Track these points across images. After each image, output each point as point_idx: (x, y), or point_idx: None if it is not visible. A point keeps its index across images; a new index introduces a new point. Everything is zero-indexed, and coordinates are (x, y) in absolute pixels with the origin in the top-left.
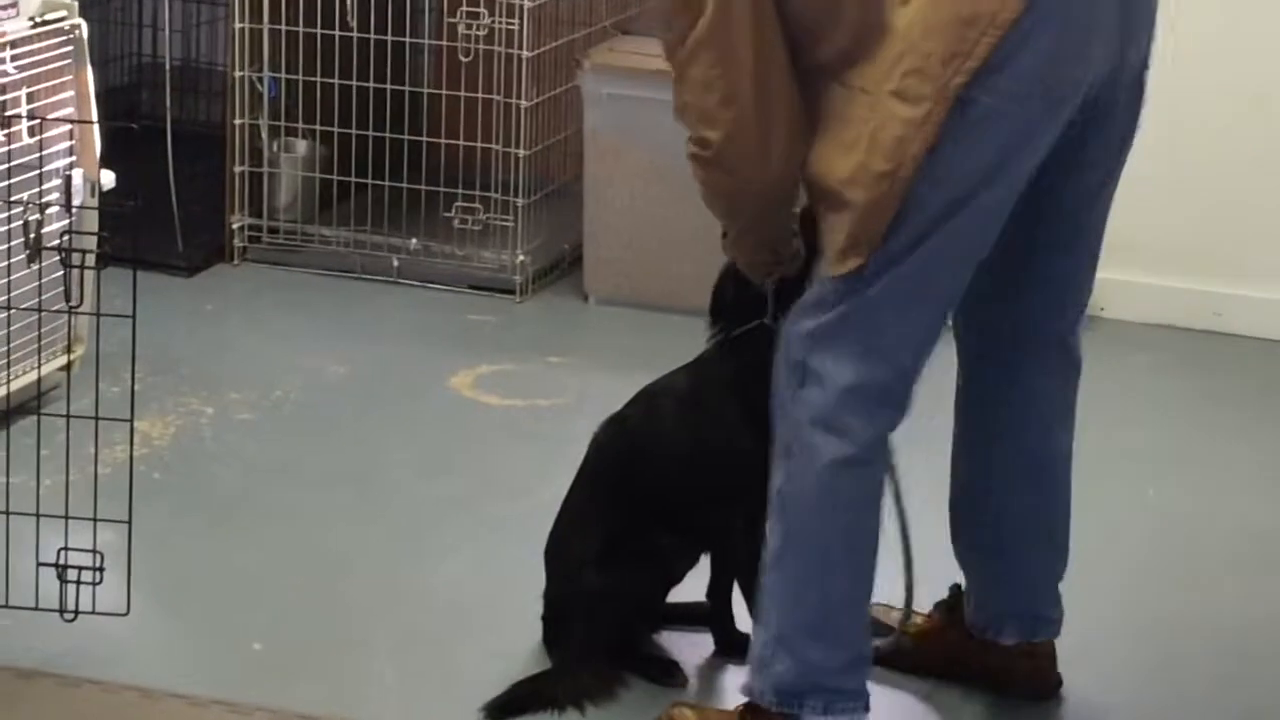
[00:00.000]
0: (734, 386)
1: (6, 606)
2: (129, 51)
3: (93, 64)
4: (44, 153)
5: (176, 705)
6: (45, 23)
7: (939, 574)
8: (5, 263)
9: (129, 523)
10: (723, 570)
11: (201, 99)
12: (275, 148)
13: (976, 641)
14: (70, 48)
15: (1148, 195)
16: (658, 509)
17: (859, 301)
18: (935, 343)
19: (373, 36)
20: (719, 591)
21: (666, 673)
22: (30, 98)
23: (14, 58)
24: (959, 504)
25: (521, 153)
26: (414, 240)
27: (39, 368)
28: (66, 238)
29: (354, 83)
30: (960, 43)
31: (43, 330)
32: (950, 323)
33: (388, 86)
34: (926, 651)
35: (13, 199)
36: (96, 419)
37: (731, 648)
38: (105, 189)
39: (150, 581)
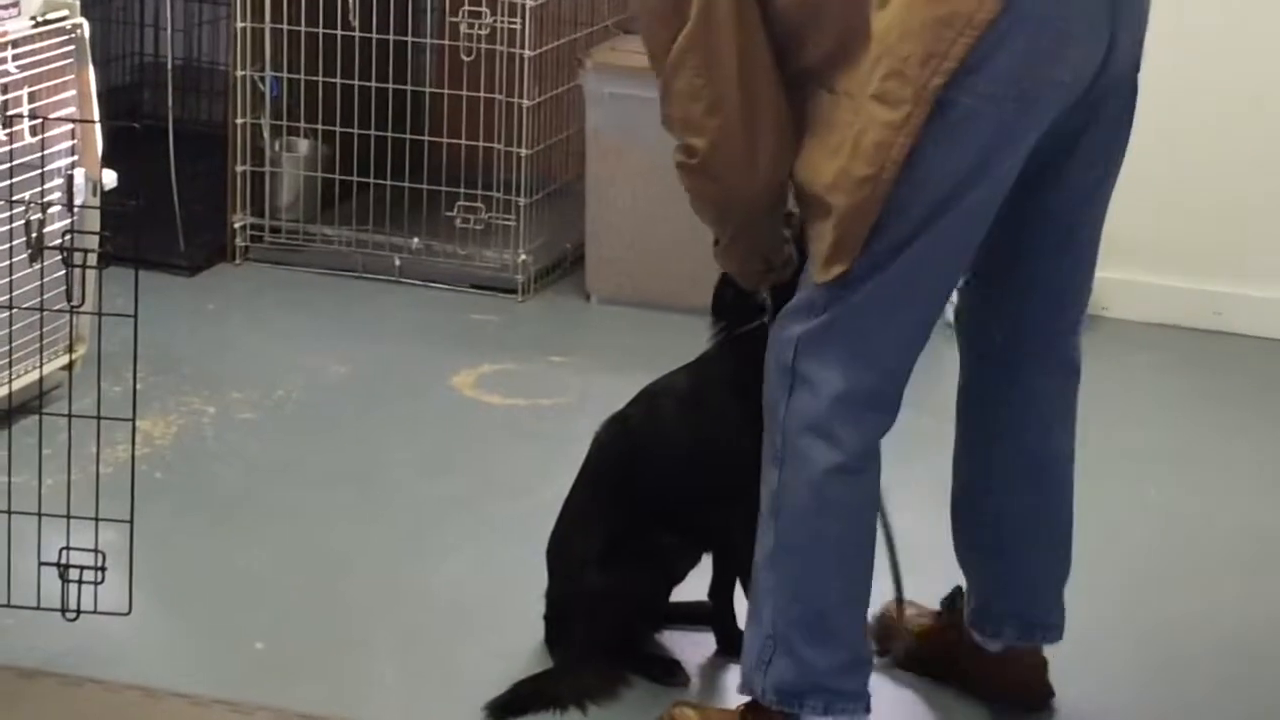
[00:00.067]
0: (735, 386)
1: (8, 606)
2: (131, 51)
3: (94, 63)
4: (46, 152)
5: (178, 705)
6: (47, 22)
7: (942, 573)
8: (7, 262)
9: (131, 522)
10: (725, 569)
11: (203, 98)
12: (277, 147)
13: (972, 644)
14: (72, 47)
15: (1149, 195)
16: (659, 508)
17: (845, 306)
18: (924, 345)
19: (375, 36)
20: (721, 591)
21: (668, 672)
22: (32, 97)
23: (16, 57)
24: (959, 504)
25: (523, 152)
26: (416, 239)
27: (41, 367)
28: (68, 237)
29: (356, 82)
30: (937, 43)
31: (44, 329)
32: (952, 322)
33: (390, 86)
34: (925, 650)
35: (15, 198)
36: (98, 418)
37: (733, 647)
38: (107, 188)
39: (152, 581)
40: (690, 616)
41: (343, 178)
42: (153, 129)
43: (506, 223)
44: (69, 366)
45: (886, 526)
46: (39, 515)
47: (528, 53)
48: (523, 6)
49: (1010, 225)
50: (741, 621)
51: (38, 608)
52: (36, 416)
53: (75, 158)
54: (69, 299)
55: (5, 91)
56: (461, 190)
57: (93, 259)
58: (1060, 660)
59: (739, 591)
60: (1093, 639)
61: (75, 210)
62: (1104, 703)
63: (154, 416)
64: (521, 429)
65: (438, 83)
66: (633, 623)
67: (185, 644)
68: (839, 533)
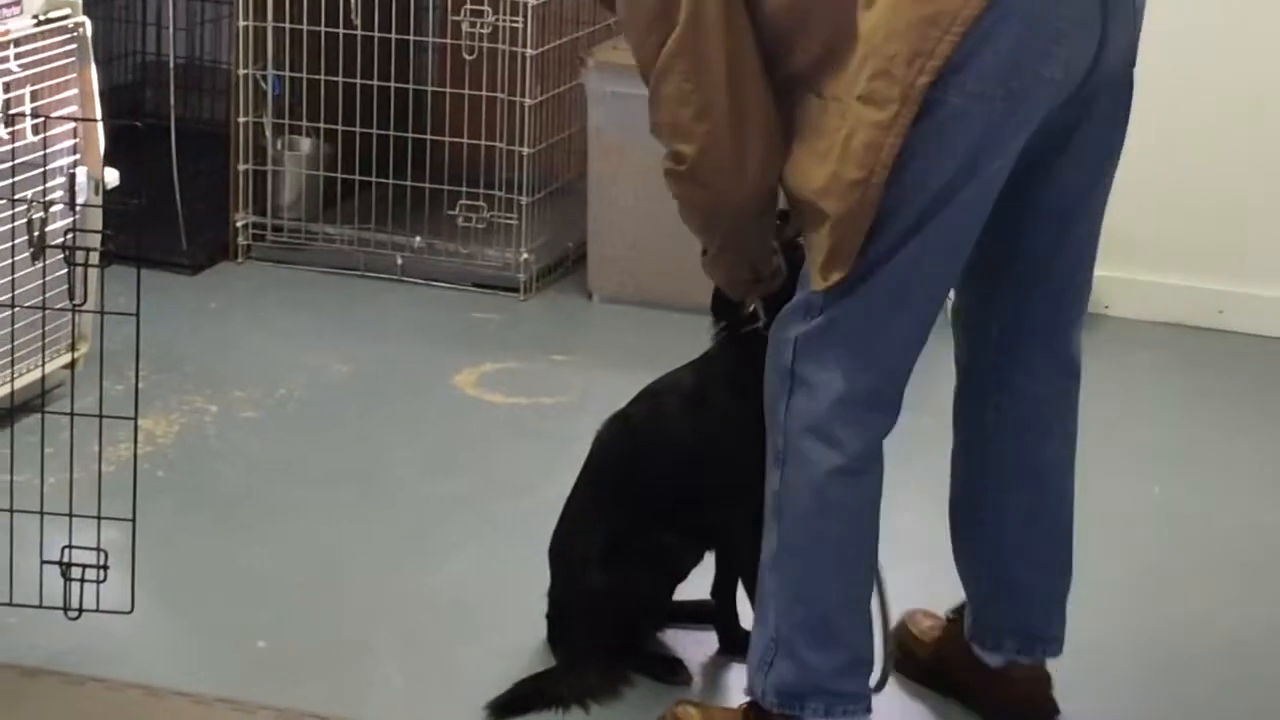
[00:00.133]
0: (736, 385)
1: (11, 604)
2: (133, 49)
3: (97, 62)
4: (48, 151)
5: (181, 703)
6: (49, 20)
7: (942, 574)
8: (9, 261)
9: (133, 521)
10: (727, 568)
11: (206, 97)
12: (279, 146)
13: (974, 658)
14: (74, 45)
15: (1150, 193)
16: (661, 507)
17: (842, 308)
18: (923, 345)
19: (377, 34)
20: (724, 589)
21: (671, 671)
22: (34, 95)
23: (18, 55)
24: (957, 508)
25: (525, 150)
26: (418, 238)
27: (43, 366)
28: (70, 236)
29: (358, 81)
30: (923, 42)
31: (47, 328)
32: (950, 322)
33: (392, 84)
34: (931, 663)
35: (17, 197)
36: (100, 417)
37: (736, 646)
38: (109, 187)
39: (154, 579)
40: (693, 615)
41: (345, 176)
42: (155, 127)
43: (508, 221)
44: (71, 365)
45: (881, 590)
46: (41, 514)
47: (530, 51)
48: (524, 5)
49: (1005, 223)
50: (744, 620)
51: (40, 606)
52: (39, 415)
53: (77, 156)
54: (71, 297)
55: (7, 90)
56: (463, 189)
57: (95, 257)
58: (1061, 659)
59: (742, 590)
60: (1095, 637)
61: (77, 209)
62: (1105, 702)
63: (156, 415)
64: (523, 428)
65: (440, 81)
66: (635, 622)
67: (187, 643)
68: (840, 534)
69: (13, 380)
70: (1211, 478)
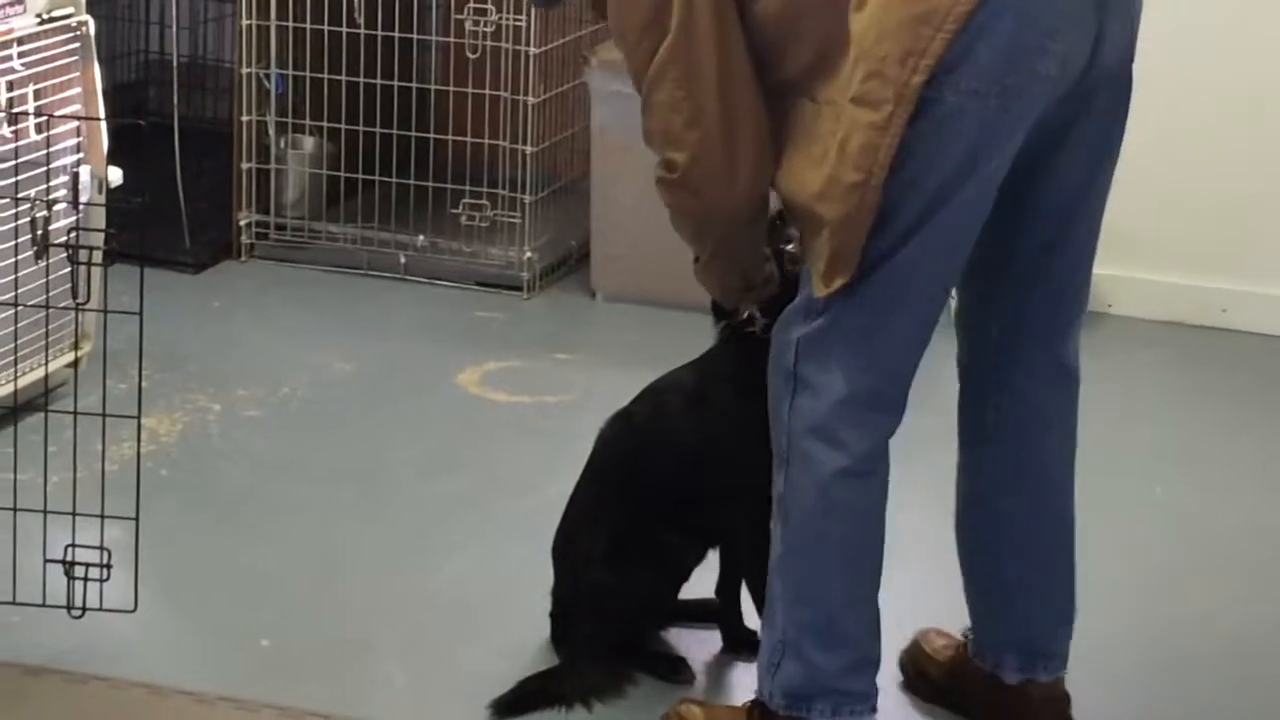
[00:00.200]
0: (739, 384)
1: (14, 603)
2: (136, 48)
3: (100, 61)
4: (51, 149)
5: (184, 702)
6: (52, 19)
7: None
8: (13, 260)
9: (136, 520)
10: (731, 567)
11: (209, 96)
12: (282, 144)
13: (989, 676)
14: (77, 44)
15: (1153, 192)
16: (663, 506)
17: (843, 309)
18: (925, 345)
19: (380, 33)
20: (727, 588)
21: (674, 670)
22: (37, 94)
23: (21, 54)
24: (962, 514)
25: (529, 149)
26: (421, 237)
27: (46, 365)
28: (74, 234)
29: (361, 79)
30: (915, 41)
31: (50, 327)
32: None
33: (395, 83)
34: (946, 681)
35: (20, 196)
36: (104, 416)
37: (739, 645)
38: (112, 186)
39: (157, 578)
40: (696, 614)
41: (348, 175)
42: (158, 126)
43: (512, 220)
44: (74, 364)
45: None
46: (44, 513)
47: (533, 50)
48: (528, 4)
49: (1004, 222)
50: (748, 620)
51: (43, 605)
52: (42, 414)
53: (81, 155)
54: (74, 296)
55: (11, 89)
56: (467, 187)
57: (98, 256)
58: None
59: (745, 589)
60: (1097, 637)
61: (81, 208)
62: (1108, 701)
63: (159, 414)
64: (527, 426)
65: (443, 80)
66: (638, 620)
67: (190, 641)
68: (846, 535)
69: (16, 379)
70: (1214, 477)
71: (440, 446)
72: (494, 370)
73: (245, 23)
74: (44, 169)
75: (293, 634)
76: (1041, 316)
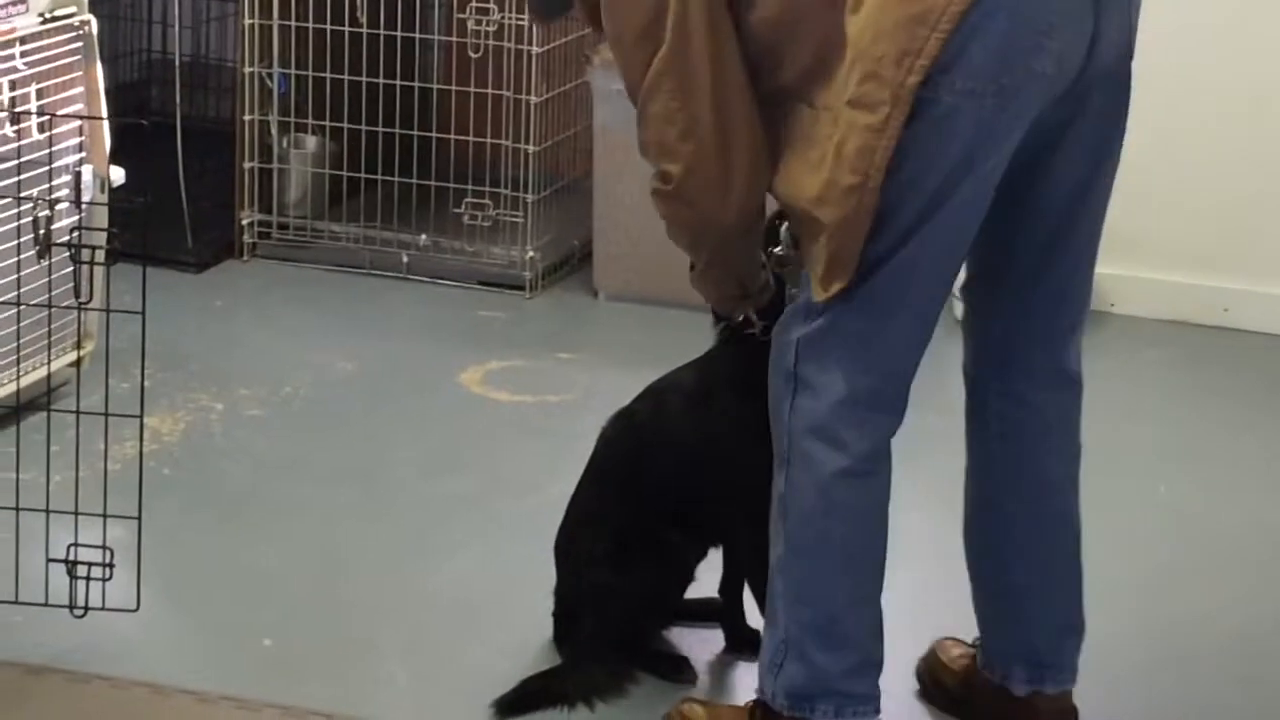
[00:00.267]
0: (737, 384)
1: (16, 603)
2: (139, 47)
3: (102, 60)
4: (54, 149)
5: (186, 701)
6: (55, 19)
7: (946, 575)
8: (15, 259)
9: (139, 519)
10: (734, 566)
11: (211, 95)
12: (285, 144)
13: (997, 687)
14: (80, 44)
15: (1156, 191)
16: (665, 505)
17: (842, 310)
18: (925, 345)
19: (383, 32)
20: (731, 587)
21: (676, 669)
22: (40, 94)
23: (24, 54)
24: (969, 524)
25: (531, 148)
26: (423, 236)
27: (49, 364)
28: (76, 234)
29: (364, 79)
30: (910, 41)
31: (52, 326)
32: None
33: (397, 82)
34: (958, 691)
35: (22, 195)
36: (106, 415)
37: (742, 644)
38: (115, 185)
39: (160, 577)
40: (699, 613)
41: (350, 174)
42: (161, 126)
43: (514, 219)
44: (77, 363)
45: None
46: (47, 512)
47: (535, 49)
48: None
49: (1005, 223)
50: (751, 619)
51: (46, 604)
52: (44, 413)
53: (83, 154)
54: (77, 296)
55: (13, 88)
56: (469, 187)
57: (100, 256)
58: None
59: (748, 589)
60: (1100, 636)
61: (83, 207)
62: (1112, 700)
63: (162, 413)
64: (529, 425)
65: (445, 79)
66: (641, 620)
67: (193, 641)
68: (847, 535)
69: (18, 378)
70: (1217, 476)
71: (442, 446)
72: (496, 369)
73: (247, 22)
74: (46, 168)
75: (295, 633)
76: (1042, 319)
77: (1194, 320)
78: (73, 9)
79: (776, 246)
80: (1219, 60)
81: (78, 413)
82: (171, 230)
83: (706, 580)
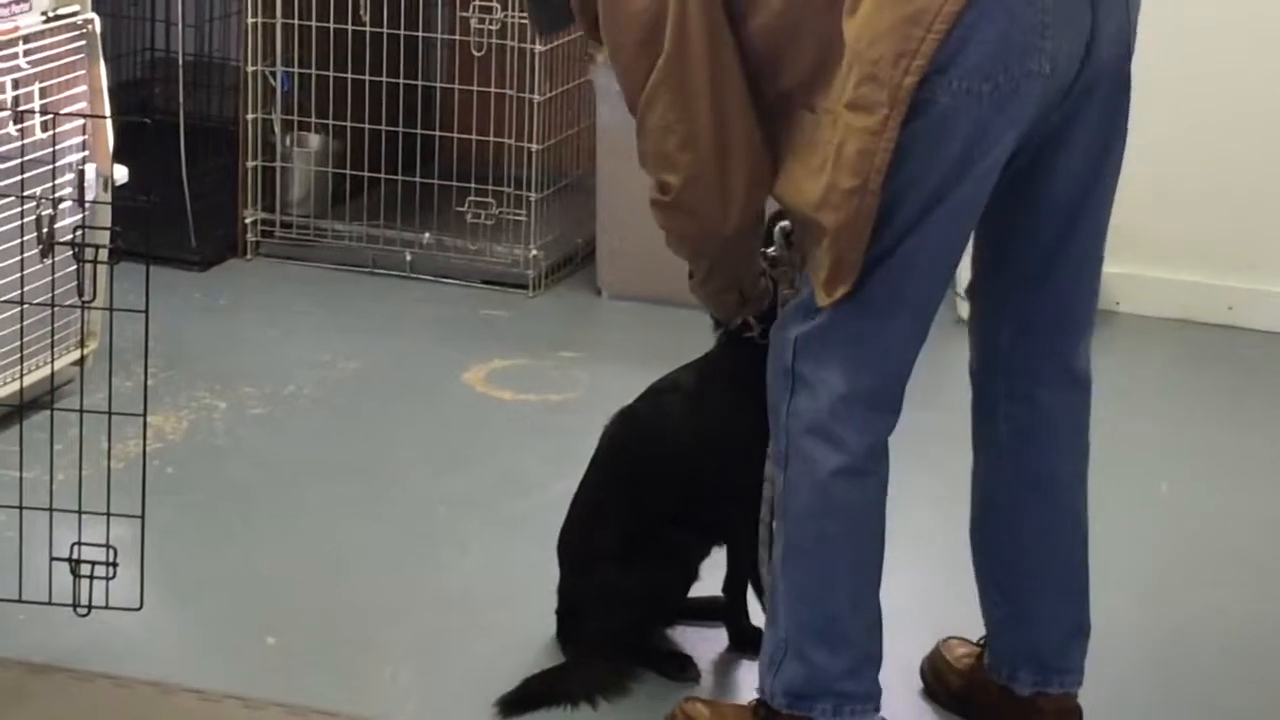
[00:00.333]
0: (737, 385)
1: (20, 601)
2: (142, 46)
3: (105, 59)
4: (57, 148)
5: (190, 699)
6: (58, 17)
7: (948, 576)
8: (18, 257)
9: (142, 517)
10: (737, 564)
11: (214, 94)
12: (288, 142)
13: (1001, 687)
14: (83, 42)
15: (1161, 189)
16: (667, 504)
17: (841, 309)
18: (921, 344)
19: (385, 31)
20: (734, 586)
21: (680, 667)
22: (43, 93)
23: (27, 53)
24: (976, 525)
25: (534, 147)
26: (427, 235)
27: (52, 363)
28: (79, 232)
29: (367, 77)
30: (906, 42)
31: (56, 325)
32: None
33: (400, 81)
34: (962, 691)
35: (26, 194)
36: (109, 414)
37: (745, 643)
38: (118, 184)
39: (163, 576)
40: (703, 612)
41: (354, 173)
42: (164, 124)
43: (517, 218)
44: (80, 362)
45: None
46: (50, 510)
47: (538, 48)
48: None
49: (1008, 223)
50: (754, 618)
51: (49, 603)
52: (48, 412)
53: (86, 153)
54: (80, 294)
55: (16, 87)
56: (472, 185)
57: (104, 254)
58: None
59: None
60: (1103, 634)
61: (86, 206)
62: (1114, 699)
63: (165, 412)
64: (532, 424)
65: (449, 78)
66: (644, 618)
67: (197, 639)
68: (845, 534)
69: (22, 377)
70: (1222, 474)
71: (445, 444)
72: (500, 368)
73: (251, 20)
74: (50, 167)
75: (298, 631)
76: (1049, 320)
77: (1198, 319)
78: (76, 7)
79: (770, 247)
80: (1224, 59)
81: (81, 411)
82: (175, 229)
83: (710, 578)
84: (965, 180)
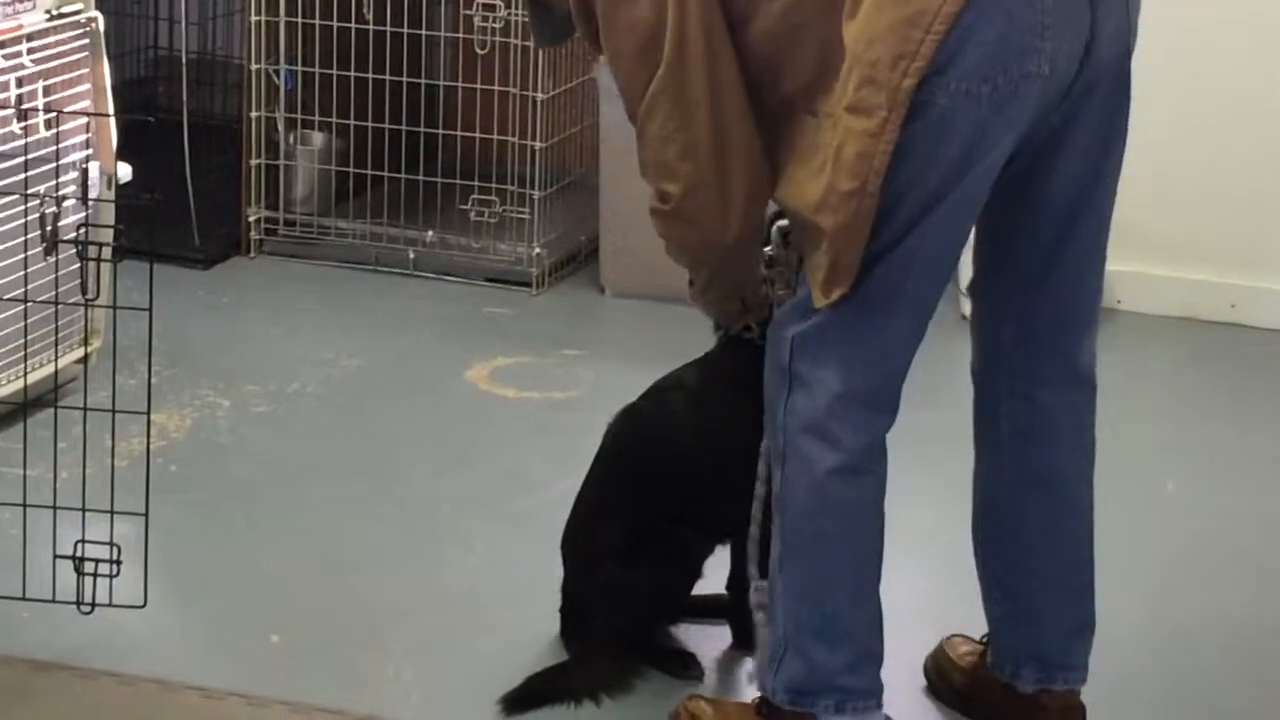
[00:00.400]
0: (737, 385)
1: (24, 599)
2: (145, 44)
3: (109, 57)
4: (60, 146)
5: (193, 697)
6: (62, 16)
7: (949, 576)
8: (22, 255)
9: (146, 515)
10: (741, 562)
11: (218, 92)
12: (291, 140)
13: (1005, 684)
14: (86, 41)
15: (1162, 188)
16: (669, 502)
17: (838, 308)
18: (918, 343)
19: (389, 29)
20: (738, 583)
21: (683, 665)
22: (47, 91)
23: (30, 51)
24: (978, 523)
25: (538, 145)
26: (430, 233)
27: (56, 360)
28: (83, 230)
29: (370, 75)
30: (905, 44)
31: (60, 323)
32: (967, 316)
33: (404, 79)
34: (965, 689)
35: (29, 192)
36: (113, 412)
37: (749, 641)
38: (122, 182)
39: (167, 574)
40: (706, 609)
41: (357, 171)
42: (167, 122)
43: (521, 216)
44: (84, 360)
45: None
46: (54, 508)
47: None
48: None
49: (1009, 223)
50: None
51: (53, 601)
52: (52, 410)
53: (90, 151)
54: (84, 292)
55: (20, 85)
56: (476, 183)
57: (107, 252)
58: None
59: None
60: (1106, 633)
61: (90, 204)
62: (1118, 695)
63: (169, 410)
64: (536, 422)
65: (452, 76)
66: (647, 615)
67: (200, 637)
68: (842, 532)
69: (25, 375)
70: (1225, 472)
71: (449, 442)
72: (503, 366)
73: (254, 19)
74: (53, 165)
75: (302, 629)
76: (1050, 319)
77: (1201, 317)
78: (79, 5)
79: (767, 246)
80: (1226, 57)
81: (85, 409)
82: (178, 227)
83: (714, 576)
84: (964, 181)
